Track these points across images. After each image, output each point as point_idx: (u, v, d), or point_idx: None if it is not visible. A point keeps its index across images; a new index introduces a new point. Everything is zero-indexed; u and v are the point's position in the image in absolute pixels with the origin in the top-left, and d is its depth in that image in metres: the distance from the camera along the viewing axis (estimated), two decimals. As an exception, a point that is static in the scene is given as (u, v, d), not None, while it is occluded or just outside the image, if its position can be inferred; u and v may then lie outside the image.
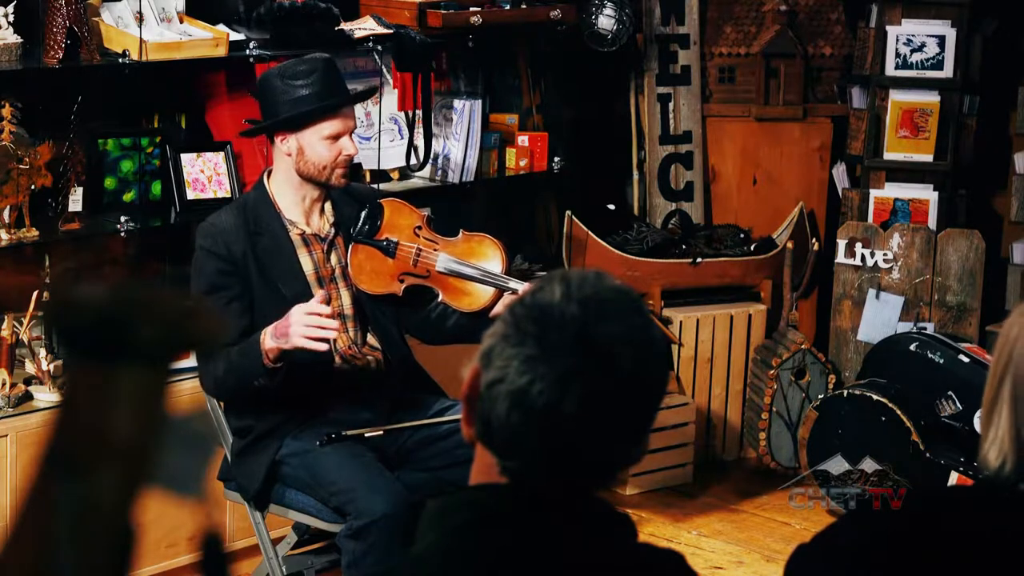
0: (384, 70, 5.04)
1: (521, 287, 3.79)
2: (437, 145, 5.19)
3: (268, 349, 3.62)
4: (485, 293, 3.87)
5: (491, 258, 3.93)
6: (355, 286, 3.89)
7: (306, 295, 3.81)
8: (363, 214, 3.88)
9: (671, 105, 5.84)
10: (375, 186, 4.93)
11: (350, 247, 3.88)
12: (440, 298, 3.90)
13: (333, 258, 3.89)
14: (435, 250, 3.91)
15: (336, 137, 3.78)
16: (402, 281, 3.89)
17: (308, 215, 3.87)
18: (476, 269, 3.88)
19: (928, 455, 4.92)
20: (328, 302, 3.63)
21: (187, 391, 4.22)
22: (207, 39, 4.56)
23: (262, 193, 3.86)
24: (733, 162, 5.94)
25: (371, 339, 3.94)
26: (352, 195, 3.94)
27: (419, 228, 3.94)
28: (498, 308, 3.82)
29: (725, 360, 5.55)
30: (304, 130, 3.77)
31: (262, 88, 3.83)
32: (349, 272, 3.88)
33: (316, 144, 3.77)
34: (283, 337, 3.59)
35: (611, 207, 5.83)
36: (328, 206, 3.90)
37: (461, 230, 4.02)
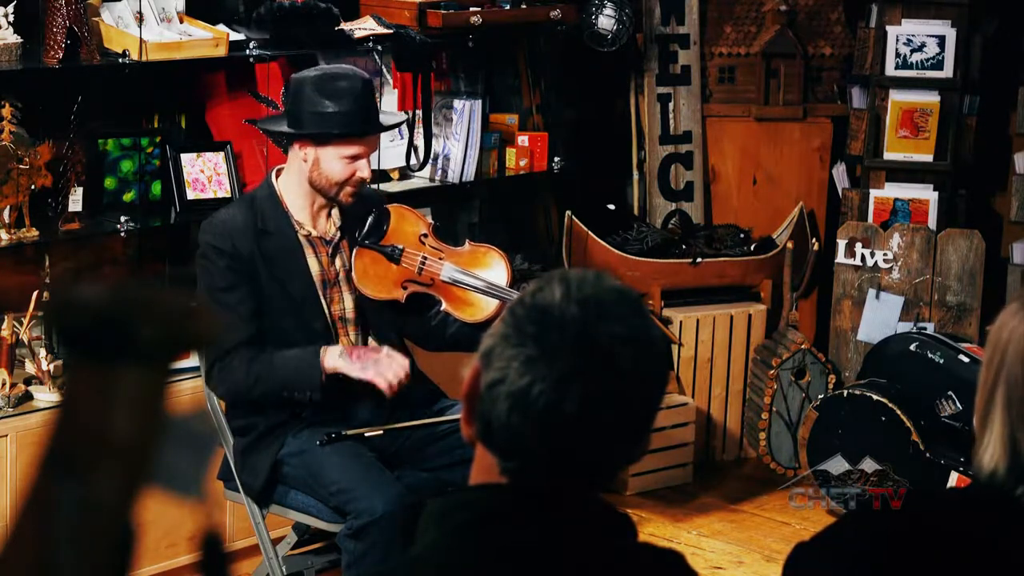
0: (384, 70, 5.04)
1: None
2: (437, 145, 5.19)
3: (333, 368, 3.71)
4: (488, 305, 3.88)
5: (496, 270, 3.93)
6: (358, 290, 3.89)
7: (312, 297, 3.82)
8: (369, 219, 3.89)
9: (671, 105, 5.84)
10: (377, 187, 4.93)
11: (355, 251, 3.88)
12: (443, 307, 3.91)
13: (338, 261, 3.89)
14: (440, 259, 3.92)
15: (355, 158, 3.78)
16: (405, 288, 3.89)
17: (315, 218, 3.87)
18: (480, 280, 3.88)
19: (928, 455, 4.92)
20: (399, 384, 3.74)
21: (187, 391, 4.22)
22: (207, 39, 4.56)
23: (270, 192, 3.86)
24: (733, 162, 5.94)
25: (372, 342, 3.94)
26: (360, 198, 3.94)
27: (425, 236, 3.94)
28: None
29: (725, 360, 5.55)
30: (326, 147, 3.76)
31: (294, 91, 3.81)
32: (353, 276, 3.88)
33: (334, 161, 3.77)
34: (364, 365, 3.71)
35: (611, 207, 5.83)
36: (335, 210, 3.89)
37: (467, 240, 4.03)
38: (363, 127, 3.77)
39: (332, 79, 3.77)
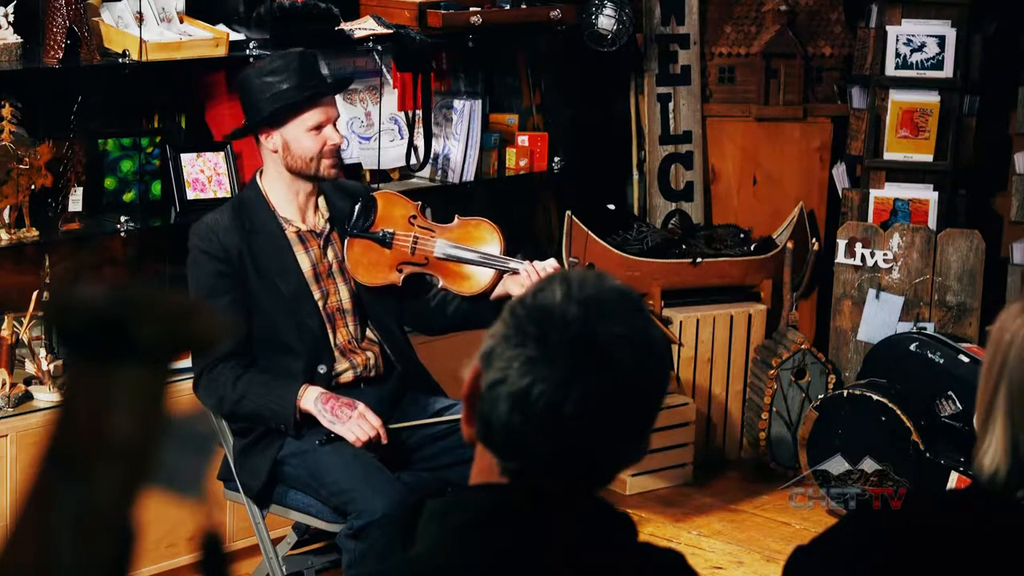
0: (384, 70, 5.04)
1: (522, 266, 3.80)
2: (437, 145, 5.19)
3: (306, 411, 3.70)
4: (485, 275, 3.89)
5: (488, 241, 3.95)
6: (353, 280, 3.90)
7: (304, 293, 3.82)
8: (356, 208, 3.90)
9: (671, 105, 5.84)
10: (375, 185, 4.93)
11: (346, 241, 3.89)
12: (440, 284, 3.92)
13: (330, 253, 3.90)
14: (432, 237, 3.93)
15: (319, 127, 3.78)
16: (401, 271, 3.91)
17: (303, 212, 3.88)
18: (475, 252, 3.89)
19: (928, 455, 4.92)
20: (378, 439, 3.70)
21: (187, 391, 4.22)
22: (207, 39, 4.56)
23: (255, 192, 3.87)
24: (733, 162, 5.94)
25: (370, 333, 3.94)
26: (344, 190, 3.96)
27: (414, 217, 3.96)
28: (499, 290, 3.84)
29: (725, 360, 5.55)
30: (287, 124, 3.78)
31: (240, 89, 3.85)
32: (346, 266, 3.89)
33: (301, 137, 3.78)
34: (335, 418, 3.67)
35: (611, 207, 5.83)
36: (322, 201, 3.91)
37: (456, 215, 4.04)
38: (312, 89, 3.78)
39: (269, 62, 3.83)
